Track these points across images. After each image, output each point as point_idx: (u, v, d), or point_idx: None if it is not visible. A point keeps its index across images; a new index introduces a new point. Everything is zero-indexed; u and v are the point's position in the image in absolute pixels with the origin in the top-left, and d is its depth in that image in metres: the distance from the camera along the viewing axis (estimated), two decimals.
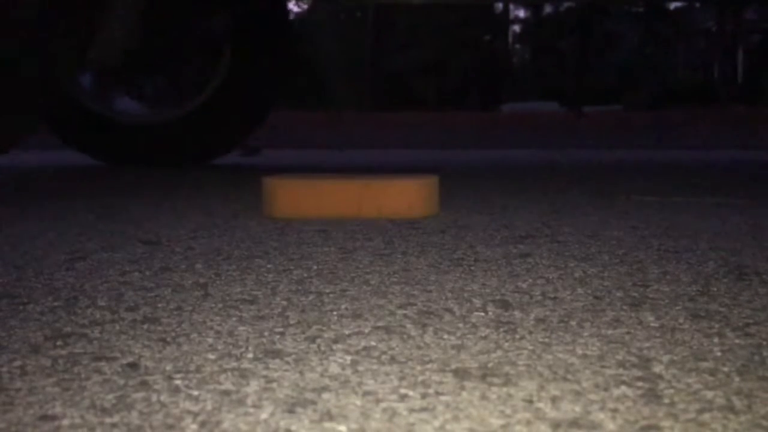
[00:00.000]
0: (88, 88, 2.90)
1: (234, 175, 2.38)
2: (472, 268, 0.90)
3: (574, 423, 0.45)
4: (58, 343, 0.61)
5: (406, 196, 1.32)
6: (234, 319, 0.68)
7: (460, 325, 0.66)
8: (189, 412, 0.47)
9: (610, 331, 0.64)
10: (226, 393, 0.50)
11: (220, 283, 0.83)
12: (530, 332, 0.64)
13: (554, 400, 0.49)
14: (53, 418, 0.46)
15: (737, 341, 0.61)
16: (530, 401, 0.48)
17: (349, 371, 0.54)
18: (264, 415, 0.46)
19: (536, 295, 0.77)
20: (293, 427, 0.44)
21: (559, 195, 1.73)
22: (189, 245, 1.06)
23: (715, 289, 0.79)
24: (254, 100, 2.93)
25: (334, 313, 0.70)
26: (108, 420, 0.46)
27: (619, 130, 7.56)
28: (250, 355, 0.58)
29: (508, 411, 0.47)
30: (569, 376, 0.53)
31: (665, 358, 0.57)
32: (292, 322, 0.67)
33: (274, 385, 0.51)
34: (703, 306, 0.72)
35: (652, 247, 1.03)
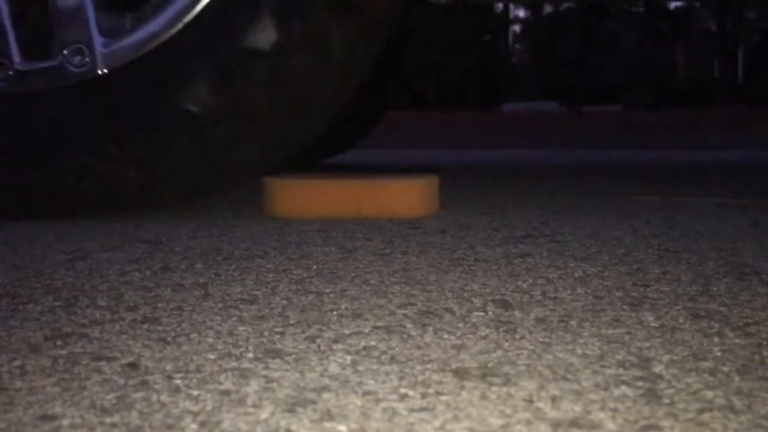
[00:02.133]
0: None
1: None
2: (472, 267, 0.90)
3: (574, 423, 0.45)
4: (58, 343, 0.61)
5: (406, 195, 1.32)
6: (234, 319, 0.68)
7: (460, 324, 0.66)
8: (189, 411, 0.47)
9: (610, 331, 0.64)
10: (226, 393, 0.50)
11: (220, 283, 0.83)
12: (530, 332, 0.64)
13: (554, 400, 0.49)
14: (53, 418, 0.46)
15: (737, 341, 0.61)
16: (530, 401, 0.48)
17: (349, 371, 0.54)
18: (264, 415, 0.46)
19: (536, 294, 0.77)
20: (293, 427, 0.44)
21: (559, 195, 1.73)
22: (189, 245, 1.06)
23: (715, 289, 0.79)
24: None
25: (334, 312, 0.70)
26: (108, 420, 0.46)
27: (619, 130, 7.57)
28: (250, 355, 0.58)
29: (508, 411, 0.47)
30: (569, 376, 0.53)
31: (665, 358, 0.57)
32: (292, 321, 0.67)
33: (274, 384, 0.51)
34: (703, 306, 0.72)
35: (652, 247, 1.03)
